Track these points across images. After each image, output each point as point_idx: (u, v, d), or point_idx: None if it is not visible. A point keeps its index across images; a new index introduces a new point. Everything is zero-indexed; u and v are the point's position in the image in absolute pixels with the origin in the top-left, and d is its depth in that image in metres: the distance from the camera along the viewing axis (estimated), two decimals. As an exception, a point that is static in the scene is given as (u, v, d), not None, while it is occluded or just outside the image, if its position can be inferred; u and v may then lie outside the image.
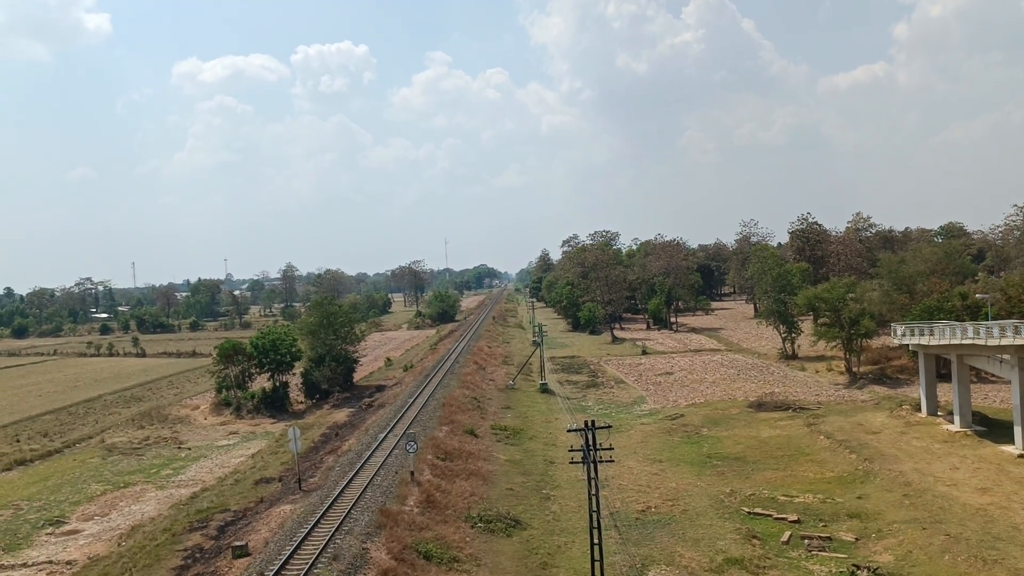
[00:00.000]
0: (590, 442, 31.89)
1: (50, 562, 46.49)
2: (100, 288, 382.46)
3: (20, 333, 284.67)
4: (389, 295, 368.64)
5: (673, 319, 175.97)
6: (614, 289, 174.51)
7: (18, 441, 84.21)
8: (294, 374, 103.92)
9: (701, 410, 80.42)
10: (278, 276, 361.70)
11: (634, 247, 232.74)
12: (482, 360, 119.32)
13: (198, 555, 43.76)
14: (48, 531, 52.69)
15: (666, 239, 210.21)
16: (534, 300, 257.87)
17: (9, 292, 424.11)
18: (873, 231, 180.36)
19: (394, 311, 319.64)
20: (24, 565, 46.23)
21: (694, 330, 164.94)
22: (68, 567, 45.37)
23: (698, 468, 58.73)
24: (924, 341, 70.07)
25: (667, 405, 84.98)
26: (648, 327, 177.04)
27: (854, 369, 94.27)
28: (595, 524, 31.99)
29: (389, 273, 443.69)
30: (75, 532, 52.35)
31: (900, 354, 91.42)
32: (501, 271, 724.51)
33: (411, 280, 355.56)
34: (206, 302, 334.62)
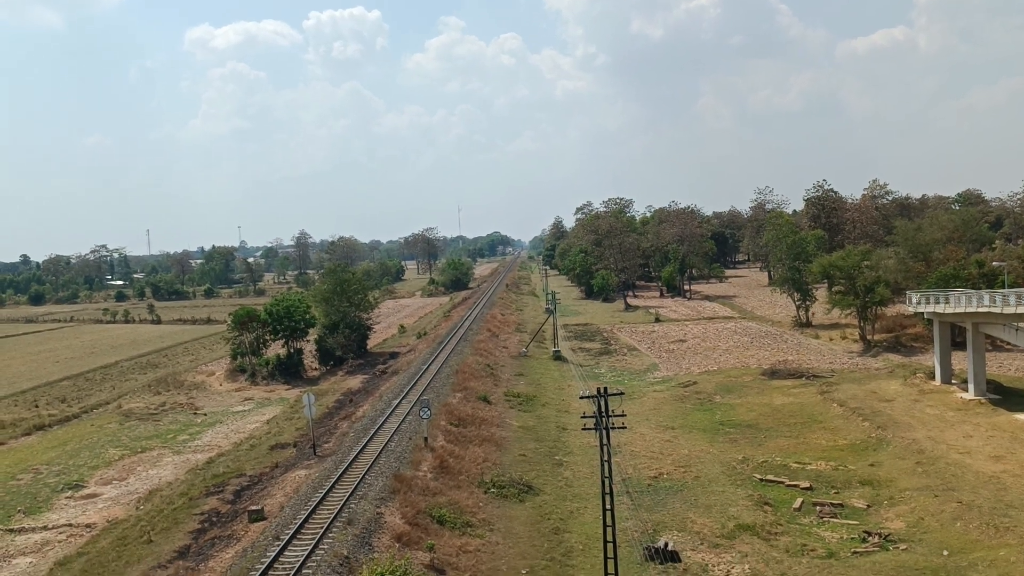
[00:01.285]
0: (602, 409, 31.96)
1: (70, 525, 47.19)
2: (115, 255, 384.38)
3: (37, 300, 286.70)
4: (402, 262, 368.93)
5: (686, 287, 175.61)
6: (627, 256, 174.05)
7: (37, 406, 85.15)
8: (308, 341, 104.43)
9: (714, 377, 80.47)
10: (292, 243, 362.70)
11: (648, 214, 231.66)
12: (495, 327, 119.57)
13: (215, 519, 44.31)
14: (67, 495, 53.41)
15: (680, 206, 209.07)
16: (547, 268, 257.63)
17: (25, 259, 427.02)
18: (890, 198, 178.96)
19: (407, 278, 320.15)
20: (44, 528, 46.95)
21: (707, 298, 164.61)
22: (87, 530, 46.04)
23: (710, 435, 58.89)
24: (939, 309, 69.70)
25: (680, 372, 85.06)
26: (661, 295, 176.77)
27: (868, 337, 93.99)
28: (607, 490, 32.14)
29: (402, 240, 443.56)
30: (94, 496, 53.07)
31: (915, 322, 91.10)
32: (514, 238, 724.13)
33: (424, 247, 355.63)
34: (220, 269, 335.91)
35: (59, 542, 44.55)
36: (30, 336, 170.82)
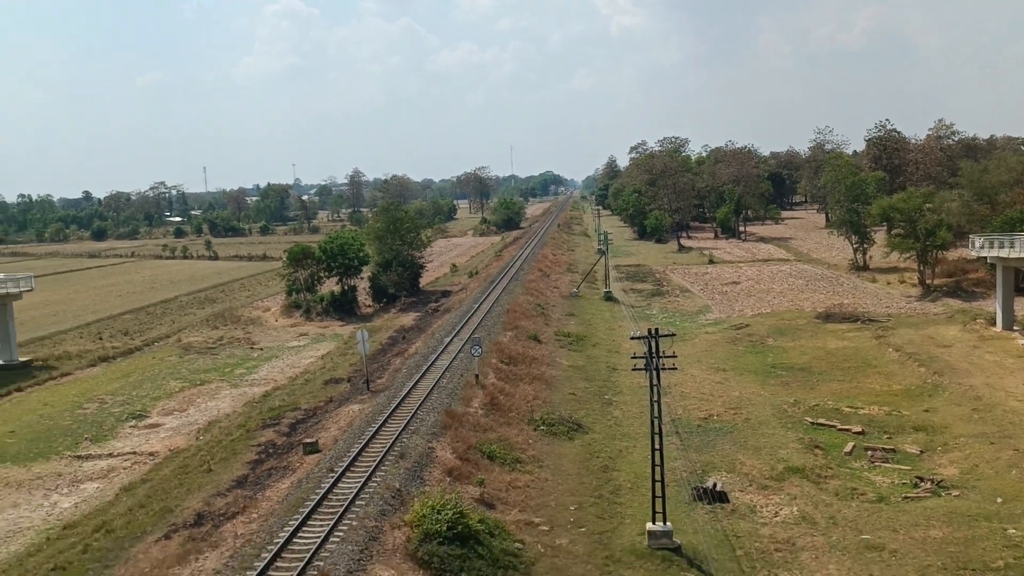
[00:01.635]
0: (653, 349, 31.92)
1: (134, 453, 48.92)
2: (173, 192, 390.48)
3: (99, 235, 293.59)
4: (454, 201, 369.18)
5: (742, 228, 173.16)
6: (682, 197, 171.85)
7: (101, 339, 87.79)
8: (362, 278, 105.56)
9: (767, 320, 79.71)
10: (345, 181, 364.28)
11: (703, 154, 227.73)
12: (546, 267, 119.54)
13: (271, 450, 45.52)
14: (131, 424, 55.27)
15: (737, 146, 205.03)
16: (600, 208, 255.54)
17: (87, 196, 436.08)
18: (955, 139, 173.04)
19: (459, 218, 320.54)
20: (110, 455, 48.73)
21: (763, 239, 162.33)
22: (151, 458, 47.69)
23: (762, 377, 58.57)
24: (1004, 254, 67.88)
25: (732, 315, 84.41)
26: (716, 236, 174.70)
27: (928, 281, 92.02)
28: (656, 430, 32.28)
29: (454, 180, 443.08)
30: (156, 426, 54.83)
31: (977, 267, 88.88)
32: (567, 178, 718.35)
33: (476, 187, 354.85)
34: (275, 207, 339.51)
35: (124, 469, 46.26)
36: (93, 271, 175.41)
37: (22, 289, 79.43)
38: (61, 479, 44.89)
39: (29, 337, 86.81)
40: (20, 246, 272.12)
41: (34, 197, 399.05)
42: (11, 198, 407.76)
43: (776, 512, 35.23)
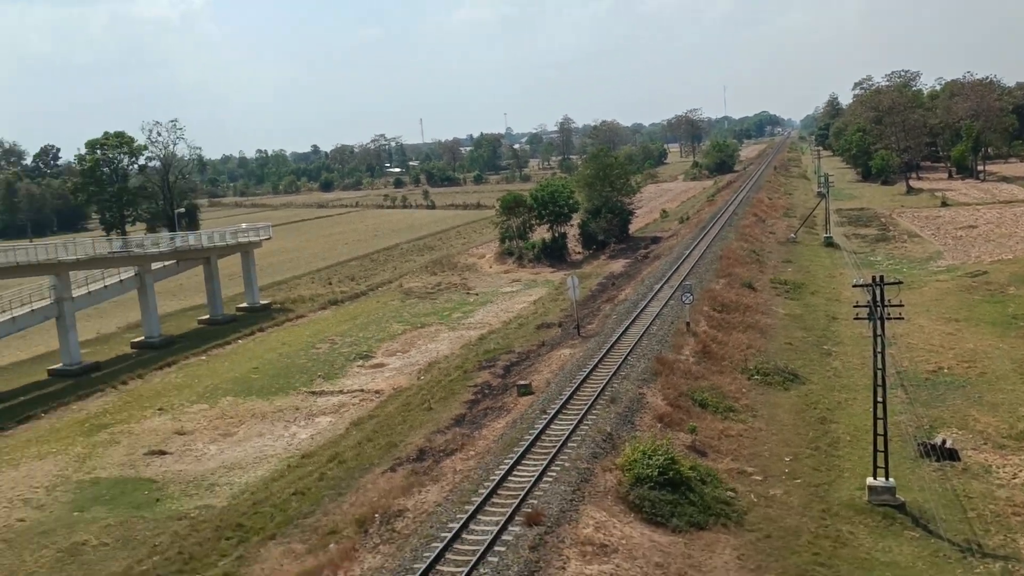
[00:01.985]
0: (877, 298, 30.25)
1: (361, 390, 52.31)
2: (392, 144, 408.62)
3: (327, 187, 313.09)
4: (665, 145, 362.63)
5: (980, 167, 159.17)
6: (911, 135, 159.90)
7: (330, 284, 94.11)
8: (571, 226, 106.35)
9: (1008, 267, 73.21)
10: (555, 129, 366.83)
11: (937, 88, 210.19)
12: (762, 212, 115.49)
13: (486, 391, 47.26)
14: (358, 363, 59.02)
15: (976, 77, 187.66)
16: (820, 148, 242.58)
17: (315, 149, 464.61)
18: None
19: (669, 162, 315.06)
20: (340, 392, 52.39)
21: (1005, 179, 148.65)
22: (376, 396, 50.84)
23: (1001, 329, 54.07)
24: None
25: (968, 261, 78.19)
26: (950, 176, 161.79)
27: None
28: (880, 382, 30.70)
29: (665, 123, 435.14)
30: (381, 366, 58.26)
31: None
32: (784, 118, 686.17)
33: (687, 130, 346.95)
34: (488, 156, 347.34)
35: (352, 405, 49.61)
36: (322, 220, 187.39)
37: (262, 238, 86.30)
38: (298, 413, 48.81)
39: (268, 282, 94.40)
40: (259, 198, 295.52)
41: (270, 152, 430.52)
42: (250, 154, 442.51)
43: (1015, 474, 32.70)
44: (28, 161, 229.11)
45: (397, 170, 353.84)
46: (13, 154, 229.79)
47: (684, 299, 53.58)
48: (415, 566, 24.47)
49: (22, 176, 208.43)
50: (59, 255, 64.41)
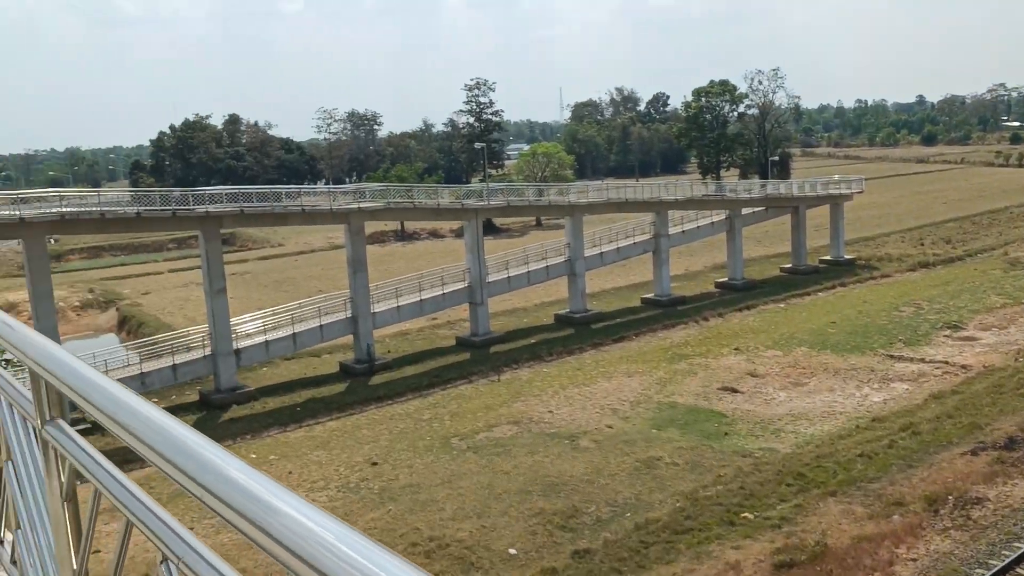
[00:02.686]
0: None
1: (945, 362, 48.43)
2: (1013, 95, 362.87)
3: (929, 140, 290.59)
4: None
5: None
6: None
7: (921, 244, 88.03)
8: None
9: None
10: None
11: None
12: None
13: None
14: (945, 333, 54.61)
15: None
16: None
17: (920, 99, 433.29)
18: None
19: None
20: (921, 360, 49.12)
21: None
22: (962, 371, 46.67)
23: None
24: None
25: None
26: None
27: None
28: None
29: None
30: (971, 339, 53.18)
31: None
32: None
33: None
34: None
35: (934, 376, 46.24)
36: (920, 176, 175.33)
37: (853, 191, 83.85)
38: (872, 374, 47.01)
39: (854, 237, 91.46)
40: (852, 149, 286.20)
41: (869, 102, 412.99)
42: (849, 103, 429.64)
43: None
44: (641, 107, 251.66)
45: (1016, 124, 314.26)
46: (630, 101, 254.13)
47: None
48: (990, 562, 22.35)
49: (635, 121, 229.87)
50: (660, 195, 70.33)
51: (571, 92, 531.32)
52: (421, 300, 56.57)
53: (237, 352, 48.70)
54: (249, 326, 51.48)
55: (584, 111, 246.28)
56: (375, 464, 37.16)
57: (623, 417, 41.85)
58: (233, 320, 49.83)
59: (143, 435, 2.10)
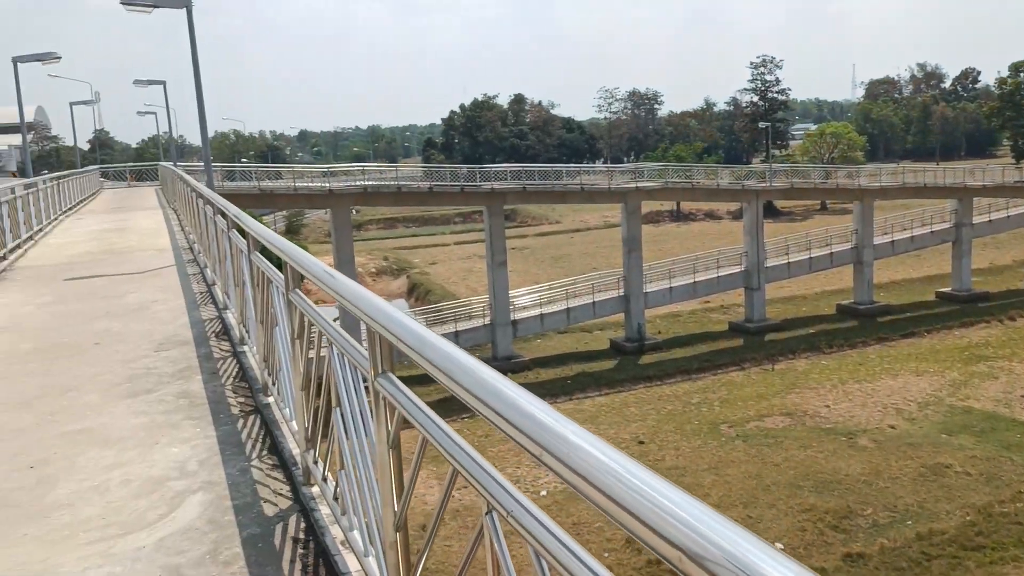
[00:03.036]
0: None
1: None
2: None
3: None
4: None
5: None
6: None
7: None
8: None
9: None
10: None
11: None
12: None
13: None
14: None
15: None
16: None
17: None
18: None
19: None
20: None
21: None
22: None
23: None
24: None
25: None
26: None
27: None
28: None
29: None
30: None
31: None
32: None
33: None
34: None
35: None
36: None
37: None
38: None
39: None
40: None
41: None
42: None
43: None
44: (946, 84, 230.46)
45: None
46: (933, 77, 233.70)
47: None
48: None
49: (938, 99, 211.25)
50: (965, 180, 64.30)
51: (865, 69, 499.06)
52: (695, 282, 55.85)
53: (514, 323, 50.77)
54: (526, 299, 53.41)
55: (879, 89, 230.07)
56: (641, 443, 37.32)
57: (908, 418, 39.00)
58: (511, 292, 51.98)
59: (470, 386, 2.28)
